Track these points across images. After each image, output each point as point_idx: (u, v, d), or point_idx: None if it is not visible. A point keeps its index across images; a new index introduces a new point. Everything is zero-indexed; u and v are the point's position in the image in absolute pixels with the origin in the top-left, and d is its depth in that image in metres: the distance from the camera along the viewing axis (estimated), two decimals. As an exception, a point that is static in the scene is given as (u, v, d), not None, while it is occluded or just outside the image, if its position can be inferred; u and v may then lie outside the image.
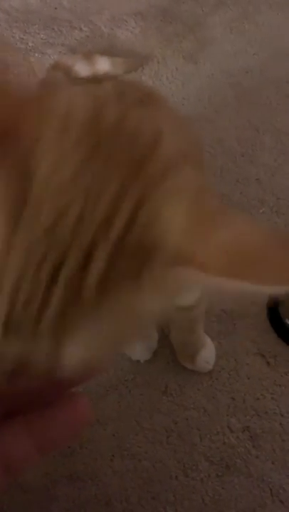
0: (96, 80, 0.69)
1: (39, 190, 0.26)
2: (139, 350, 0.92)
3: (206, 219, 0.28)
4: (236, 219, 0.28)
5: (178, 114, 0.61)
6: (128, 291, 0.27)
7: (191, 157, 0.39)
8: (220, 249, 0.26)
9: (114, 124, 0.30)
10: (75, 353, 0.28)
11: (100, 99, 0.34)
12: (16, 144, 0.27)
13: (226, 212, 0.28)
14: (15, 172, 0.26)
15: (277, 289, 0.26)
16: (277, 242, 0.27)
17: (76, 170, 0.27)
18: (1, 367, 0.28)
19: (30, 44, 1.31)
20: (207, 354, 0.90)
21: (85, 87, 0.60)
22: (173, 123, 0.46)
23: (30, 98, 0.30)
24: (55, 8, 1.37)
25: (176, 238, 0.27)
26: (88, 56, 1.23)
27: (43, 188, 0.26)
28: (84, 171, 0.27)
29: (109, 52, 1.28)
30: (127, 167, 0.28)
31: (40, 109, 0.29)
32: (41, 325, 0.27)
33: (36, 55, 1.29)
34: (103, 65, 1.21)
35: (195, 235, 0.27)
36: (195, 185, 0.30)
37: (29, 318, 0.26)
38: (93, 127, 0.29)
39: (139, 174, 0.28)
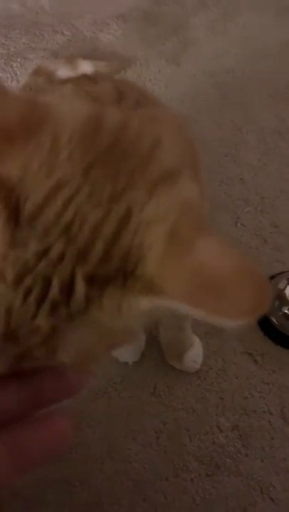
0: (91, 78, 0.69)
1: (26, 233, 0.28)
2: (127, 352, 0.92)
3: (181, 246, 0.28)
4: (207, 244, 0.28)
5: (173, 113, 0.62)
6: (109, 311, 0.29)
7: (185, 163, 0.39)
8: (184, 277, 0.27)
9: (115, 136, 0.31)
10: (68, 357, 0.30)
11: (101, 103, 0.35)
12: (2, 184, 0.28)
13: (201, 235, 0.29)
14: (4, 212, 0.28)
15: (232, 322, 0.26)
16: (239, 271, 0.27)
17: (62, 205, 0.28)
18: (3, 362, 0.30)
19: (12, 49, 1.31)
20: (195, 353, 0.90)
21: (82, 87, 0.60)
22: (171, 126, 0.46)
23: (15, 120, 0.30)
24: (37, 13, 1.38)
25: (151, 268, 0.28)
26: (71, 60, 1.23)
27: (29, 231, 0.28)
28: (69, 205, 0.28)
29: (92, 55, 1.28)
30: (116, 183, 0.29)
31: (27, 130, 0.29)
32: (36, 338, 0.29)
33: (19, 60, 1.29)
34: (86, 68, 1.21)
35: (167, 264, 0.28)
36: (179, 206, 0.30)
37: (24, 332, 0.29)
38: (91, 141, 0.30)
39: (124, 192, 0.29)
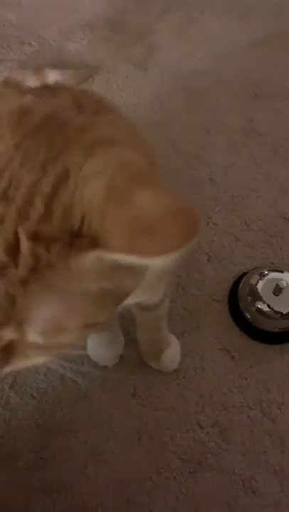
0: (49, 88, 0.70)
1: None
2: (107, 356, 0.93)
3: (119, 198, 0.30)
4: (145, 195, 0.30)
5: (130, 120, 0.63)
6: (59, 271, 0.30)
7: (129, 141, 0.41)
8: (122, 227, 0.29)
9: (46, 116, 0.33)
10: (38, 333, 0.31)
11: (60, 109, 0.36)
12: None
13: (140, 187, 0.30)
14: None
15: (162, 259, 0.28)
16: (170, 211, 0.29)
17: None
18: None
19: (-20, 62, 1.31)
20: (172, 353, 0.91)
21: (41, 96, 0.61)
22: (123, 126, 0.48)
23: None
24: (4, 25, 1.39)
25: (95, 223, 0.29)
26: (39, 70, 1.24)
27: None
28: (4, 173, 0.30)
29: (60, 65, 1.29)
30: (51, 150, 0.31)
31: None
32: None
33: (-13, 72, 1.30)
34: (54, 78, 1.22)
35: (107, 217, 0.29)
36: (117, 162, 0.32)
37: None
38: (20, 123, 0.32)
39: (60, 156, 0.30)
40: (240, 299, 0.97)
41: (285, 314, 0.93)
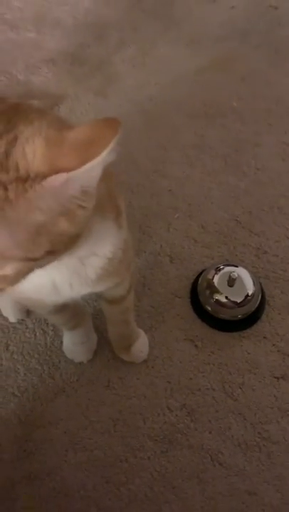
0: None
1: None
2: (81, 352, 1.01)
3: (56, 141, 0.42)
4: (71, 130, 0.43)
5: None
6: (17, 205, 0.41)
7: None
8: (72, 149, 0.41)
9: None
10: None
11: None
12: None
13: (66, 129, 0.43)
14: None
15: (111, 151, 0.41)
16: (96, 125, 0.42)
17: None
18: None
19: None
20: (141, 344, 1.00)
21: None
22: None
23: None
24: (-27, 63, 1.51)
25: (39, 163, 0.41)
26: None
27: None
28: None
29: (27, 96, 1.41)
30: (7, 125, 0.43)
31: None
32: None
33: None
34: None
35: (52, 154, 0.41)
36: (46, 122, 0.44)
37: None
38: None
39: (12, 129, 0.43)
40: (200, 294, 1.07)
41: (240, 303, 1.03)
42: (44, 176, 0.41)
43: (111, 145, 0.41)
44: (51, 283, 0.61)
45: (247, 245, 1.15)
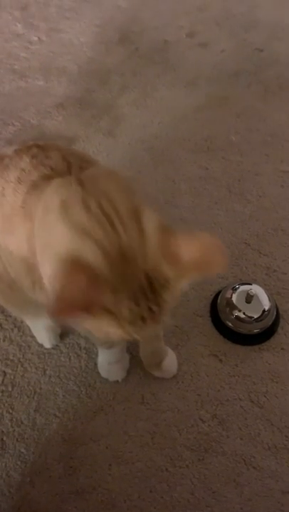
0: (40, 147, 0.85)
1: None
2: (116, 372, 1.08)
3: (170, 249, 0.63)
4: (181, 239, 0.62)
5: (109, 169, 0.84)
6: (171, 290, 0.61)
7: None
8: (193, 267, 0.60)
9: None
10: None
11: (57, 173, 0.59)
12: None
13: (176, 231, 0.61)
14: None
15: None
16: (211, 250, 0.60)
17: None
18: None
19: (-29, 143, 1.53)
20: (171, 360, 1.09)
21: (35, 157, 0.77)
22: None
23: None
24: (-12, 111, 1.62)
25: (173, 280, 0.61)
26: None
27: None
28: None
29: (41, 139, 1.53)
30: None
31: None
32: None
33: (-22, 151, 1.51)
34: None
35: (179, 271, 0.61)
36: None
37: None
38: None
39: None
40: (220, 311, 1.16)
41: (257, 318, 1.13)
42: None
43: (224, 270, 0.58)
44: None
45: (258, 265, 1.26)
